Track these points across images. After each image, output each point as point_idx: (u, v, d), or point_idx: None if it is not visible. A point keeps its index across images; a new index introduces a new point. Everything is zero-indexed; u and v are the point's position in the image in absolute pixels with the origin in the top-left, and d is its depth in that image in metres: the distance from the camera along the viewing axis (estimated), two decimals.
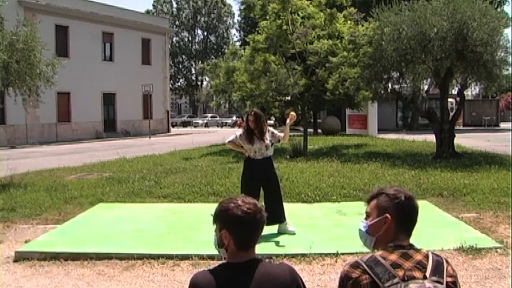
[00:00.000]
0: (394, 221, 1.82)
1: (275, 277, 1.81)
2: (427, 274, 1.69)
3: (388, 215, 1.82)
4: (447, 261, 1.80)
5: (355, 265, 1.75)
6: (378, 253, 1.78)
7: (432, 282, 1.68)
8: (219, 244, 1.85)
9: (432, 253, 1.79)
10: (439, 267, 1.73)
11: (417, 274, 1.69)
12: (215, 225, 1.89)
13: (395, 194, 1.85)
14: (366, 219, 1.91)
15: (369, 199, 1.93)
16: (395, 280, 1.66)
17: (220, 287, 1.75)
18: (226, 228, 1.81)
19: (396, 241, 1.80)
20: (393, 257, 1.73)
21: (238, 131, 6.66)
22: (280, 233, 6.50)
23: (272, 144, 6.53)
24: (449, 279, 1.74)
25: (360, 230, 1.92)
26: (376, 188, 1.98)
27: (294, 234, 6.49)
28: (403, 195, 1.85)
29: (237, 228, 1.79)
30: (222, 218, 1.84)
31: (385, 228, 1.83)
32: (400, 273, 1.68)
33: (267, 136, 6.45)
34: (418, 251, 1.78)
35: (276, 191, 6.53)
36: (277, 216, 6.44)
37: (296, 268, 2.11)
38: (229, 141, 6.64)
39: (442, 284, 1.69)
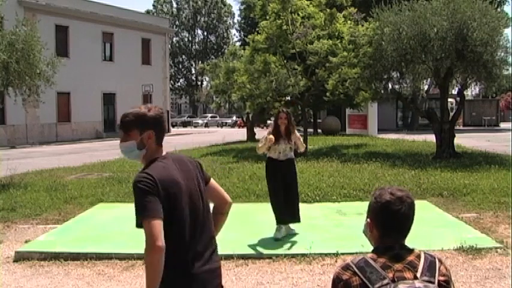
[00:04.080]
0: (374, 224, 1.82)
1: (186, 157, 2.55)
2: (418, 274, 1.70)
3: (369, 220, 1.84)
4: (440, 261, 1.80)
5: (346, 267, 1.77)
6: (369, 255, 1.78)
7: (423, 282, 1.68)
8: (139, 146, 2.39)
9: (425, 253, 1.79)
10: (431, 267, 1.73)
11: (408, 275, 1.69)
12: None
13: (376, 197, 1.82)
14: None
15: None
16: (385, 281, 1.67)
17: (159, 172, 2.29)
18: (148, 129, 2.38)
19: (386, 243, 1.79)
20: (383, 258, 1.74)
21: (265, 135, 6.45)
22: None
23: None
24: (442, 278, 1.74)
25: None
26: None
27: (294, 234, 6.50)
28: (387, 197, 1.79)
29: (157, 127, 2.42)
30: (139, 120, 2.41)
31: (370, 232, 1.85)
32: (390, 274, 1.69)
33: (293, 137, 6.43)
34: (410, 251, 1.78)
35: (296, 191, 6.59)
36: (296, 215, 6.49)
37: (296, 268, 2.11)
38: (260, 147, 6.42)
39: (433, 283, 1.69)
